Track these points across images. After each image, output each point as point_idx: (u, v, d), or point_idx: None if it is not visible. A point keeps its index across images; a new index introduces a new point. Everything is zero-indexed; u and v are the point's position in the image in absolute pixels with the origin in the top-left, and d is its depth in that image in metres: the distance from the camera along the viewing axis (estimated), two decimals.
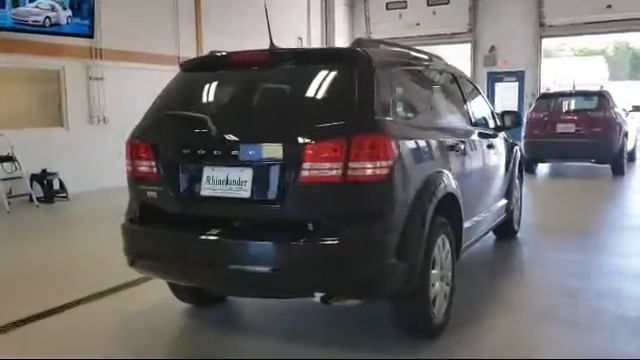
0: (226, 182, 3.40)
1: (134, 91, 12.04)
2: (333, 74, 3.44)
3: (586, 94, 13.22)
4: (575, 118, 12.38)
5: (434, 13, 18.83)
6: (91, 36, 10.94)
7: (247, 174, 3.34)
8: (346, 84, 3.34)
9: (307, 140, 3.17)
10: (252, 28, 15.36)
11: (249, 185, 3.33)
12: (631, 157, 13.64)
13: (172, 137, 3.61)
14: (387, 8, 19.64)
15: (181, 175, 3.55)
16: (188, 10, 13.63)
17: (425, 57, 4.54)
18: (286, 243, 3.20)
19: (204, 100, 3.78)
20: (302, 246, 3.15)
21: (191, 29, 13.72)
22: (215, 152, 3.37)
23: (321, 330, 3.95)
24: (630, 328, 3.90)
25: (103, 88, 11.58)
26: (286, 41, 17.23)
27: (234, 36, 14.65)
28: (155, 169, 3.62)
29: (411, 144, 3.50)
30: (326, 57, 3.66)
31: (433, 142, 3.83)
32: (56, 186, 10.19)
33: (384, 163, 3.16)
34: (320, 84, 3.42)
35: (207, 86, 3.81)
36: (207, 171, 3.46)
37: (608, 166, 12.40)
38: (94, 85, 11.49)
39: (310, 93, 3.42)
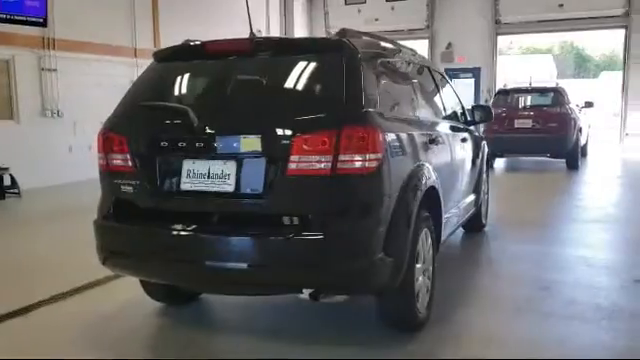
0: (208, 175, 3.27)
1: (89, 83, 11.67)
2: (319, 65, 3.35)
3: (542, 90, 13.56)
4: (532, 114, 12.69)
5: (392, 9, 18.93)
6: (44, 25, 10.47)
7: (230, 167, 3.22)
8: (333, 75, 3.25)
9: (295, 132, 3.07)
10: (211, 17, 15.19)
11: (233, 178, 3.21)
12: (583, 152, 14.07)
13: (149, 129, 3.46)
14: (346, 3, 19.64)
15: (159, 169, 3.39)
16: (144, 0, 13.26)
17: (407, 50, 4.50)
18: (274, 238, 3.10)
19: (182, 91, 3.64)
20: (290, 241, 3.05)
21: (148, 19, 13.35)
22: (197, 144, 3.23)
23: (301, 326, 3.88)
24: (605, 318, 3.98)
25: (57, 80, 11.13)
26: (245, 33, 16.94)
27: (193, 26, 14.33)
28: (130, 162, 3.45)
29: (397, 137, 3.45)
30: (311, 47, 3.56)
31: (416, 135, 3.79)
32: (7, 182, 9.72)
33: (373, 156, 3.10)
34: (306, 75, 3.33)
35: (185, 76, 3.67)
36: (187, 164, 3.32)
37: (563, 160, 12.75)
38: (47, 76, 11.02)
39: (295, 84, 3.32)
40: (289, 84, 3.35)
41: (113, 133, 3.54)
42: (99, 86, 11.84)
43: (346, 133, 3.04)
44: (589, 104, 14.31)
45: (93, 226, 3.67)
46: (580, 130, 12.94)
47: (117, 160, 3.51)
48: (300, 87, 3.31)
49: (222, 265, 3.20)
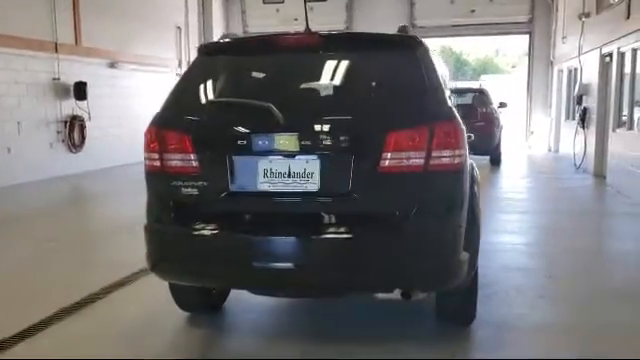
0: (288, 175, 3.14)
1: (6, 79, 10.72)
2: (396, 60, 3.33)
3: (468, 91, 14.26)
4: (459, 113, 13.28)
5: (311, 9, 18.97)
6: None
7: (313, 165, 3.12)
8: (413, 71, 3.25)
9: (388, 128, 3.04)
10: (134, 12, 14.46)
11: (317, 177, 3.11)
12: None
13: (221, 127, 3.25)
14: (264, 1, 19.40)
15: (230, 169, 3.20)
16: None
17: None
18: (366, 238, 3.05)
19: (248, 87, 3.45)
20: (383, 240, 3.02)
21: (68, 12, 12.41)
22: (280, 142, 3.09)
23: (357, 326, 3.85)
24: (533, 297, 4.46)
25: None
26: (165, 29, 16.38)
27: (116, 18, 13.63)
28: (195, 162, 3.23)
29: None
30: (384, 43, 3.51)
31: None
32: None
33: (459, 152, 3.13)
34: (384, 70, 3.29)
35: (246, 71, 3.49)
36: (263, 163, 3.17)
37: (487, 157, 13.51)
38: None
39: (375, 80, 3.28)
40: (368, 80, 3.31)
41: (172, 131, 3.29)
42: (16, 83, 10.93)
43: (438, 129, 3.05)
44: (503, 104, 15.25)
45: (144, 231, 3.41)
46: (501, 129, 13.78)
47: (177, 160, 3.27)
48: (380, 83, 3.28)
49: (311, 267, 3.09)
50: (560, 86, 15.84)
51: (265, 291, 3.55)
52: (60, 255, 5.93)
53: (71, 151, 12.32)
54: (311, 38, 3.40)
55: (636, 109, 9.06)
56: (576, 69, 13.30)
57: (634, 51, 9.05)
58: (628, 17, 9.11)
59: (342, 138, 3.10)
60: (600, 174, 11.01)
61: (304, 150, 3.10)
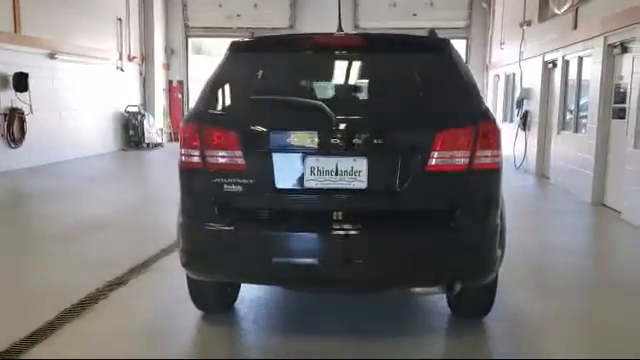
0: (336, 172, 3.20)
1: None
2: (434, 62, 3.44)
3: None
4: None
5: (255, 6, 18.91)
6: None
7: (361, 164, 3.19)
8: (452, 72, 3.38)
9: (436, 128, 3.15)
10: (78, 3, 13.83)
11: (365, 175, 3.19)
12: None
13: (269, 124, 3.24)
14: None
15: (276, 166, 3.21)
16: None
17: None
18: (416, 234, 3.16)
19: (288, 85, 3.45)
20: (437, 236, 3.14)
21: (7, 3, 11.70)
22: (331, 141, 3.13)
23: (380, 322, 3.95)
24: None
25: None
26: (106, 20, 15.83)
27: (57, 7, 13.00)
28: (241, 160, 3.21)
29: None
30: (418, 45, 3.62)
31: None
32: None
33: (498, 152, 3.30)
34: (422, 72, 3.40)
35: (289, 70, 3.49)
36: (310, 161, 3.21)
37: None
38: None
39: (414, 81, 3.38)
40: (410, 81, 3.40)
41: (214, 127, 3.25)
42: None
43: (483, 129, 3.20)
44: None
45: (180, 228, 3.36)
46: None
47: (220, 157, 3.25)
48: (422, 84, 3.38)
49: (360, 263, 3.16)
50: (496, 90, 16.63)
51: (309, 288, 3.58)
52: (32, 259, 5.65)
53: (10, 146, 11.63)
54: (353, 39, 3.48)
55: (581, 113, 9.71)
56: (514, 74, 14.02)
57: (580, 59, 9.68)
58: (575, 27, 9.74)
59: (390, 137, 3.19)
60: (542, 174, 11.68)
61: (353, 149, 3.16)
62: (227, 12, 18.93)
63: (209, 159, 3.25)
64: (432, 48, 3.56)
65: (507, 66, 14.89)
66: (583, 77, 9.66)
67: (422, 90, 3.37)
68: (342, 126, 3.14)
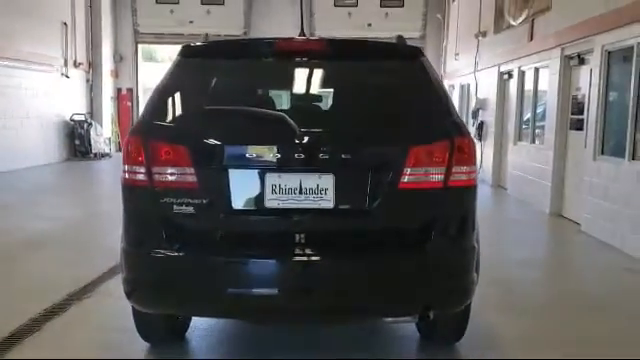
0: (299, 190, 2.89)
1: None
2: (405, 71, 3.19)
3: None
4: None
5: (208, 12, 18.48)
6: None
7: (327, 181, 2.89)
8: (424, 83, 3.14)
9: (409, 142, 2.89)
10: (18, 3, 13.10)
11: (331, 193, 2.89)
12: None
13: (225, 138, 2.91)
14: (157, 2, 18.58)
15: (232, 184, 2.88)
16: None
17: None
18: (387, 257, 2.89)
19: (251, 94, 3.13)
20: (410, 260, 2.88)
21: None
22: (294, 156, 2.83)
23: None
24: None
25: None
26: (50, 25, 15.19)
27: (1, 13, 12.30)
28: (192, 177, 2.87)
29: None
30: (389, 53, 3.36)
31: None
32: None
33: (474, 168, 3.07)
34: (395, 81, 3.14)
35: (246, 77, 3.17)
36: (271, 178, 2.89)
37: None
38: None
39: (387, 90, 3.11)
40: (378, 90, 3.13)
41: (162, 141, 2.90)
42: None
43: (458, 144, 2.96)
44: None
45: (123, 254, 2.98)
46: None
47: (169, 174, 2.89)
48: (391, 94, 3.11)
49: (327, 293, 2.85)
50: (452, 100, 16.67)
51: (265, 320, 3.24)
52: None
53: None
54: (317, 44, 3.19)
55: (537, 123, 9.72)
56: (469, 85, 14.06)
57: (536, 70, 9.70)
58: (531, 39, 9.76)
59: (358, 152, 2.92)
60: (499, 184, 11.68)
61: (318, 164, 2.87)
62: (179, 18, 18.42)
63: (156, 176, 2.89)
64: (403, 56, 3.30)
65: (462, 77, 14.94)
66: (540, 88, 9.69)
67: (393, 101, 3.10)
68: (306, 139, 2.83)
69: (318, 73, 3.26)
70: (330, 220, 2.92)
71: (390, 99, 3.09)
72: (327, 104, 3.19)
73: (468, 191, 3.04)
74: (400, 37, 3.52)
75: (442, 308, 3.05)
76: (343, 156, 2.89)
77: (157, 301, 3.02)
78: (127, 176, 2.96)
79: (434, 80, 3.16)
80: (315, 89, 3.26)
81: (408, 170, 2.88)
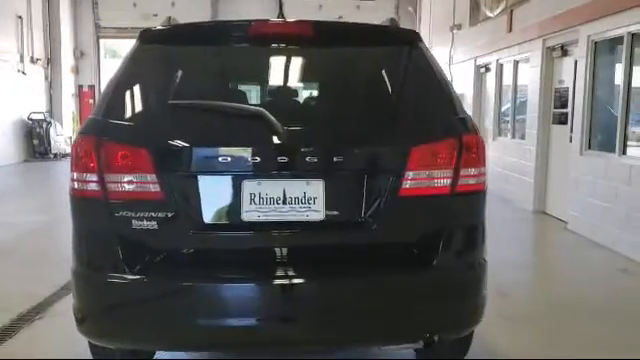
0: (283, 200, 2.44)
1: None
2: (404, 58, 2.76)
3: None
4: None
5: (173, 4, 17.83)
6: None
7: (316, 188, 2.45)
8: (425, 71, 2.71)
9: (411, 141, 2.47)
10: None
11: (321, 203, 2.45)
12: None
13: (196, 138, 2.43)
14: None
15: (204, 194, 2.42)
16: None
17: None
18: (388, 276, 2.46)
19: (223, 85, 2.66)
20: (415, 280, 2.46)
21: None
22: (278, 159, 2.38)
23: None
24: None
25: None
26: (4, 18, 14.40)
27: None
28: (157, 186, 2.39)
29: None
30: (387, 37, 2.92)
31: None
32: None
33: (483, 170, 2.66)
34: (392, 70, 2.71)
35: (218, 66, 2.70)
36: (249, 186, 2.44)
37: None
38: None
39: (384, 81, 2.68)
40: (373, 81, 2.71)
41: (118, 143, 2.41)
42: None
43: (466, 142, 2.55)
44: None
45: (73, 277, 2.50)
46: None
47: (127, 183, 2.41)
48: (388, 86, 2.68)
49: (317, 321, 2.41)
50: None
51: (242, 354, 2.79)
52: None
53: None
54: (300, 27, 2.71)
55: (518, 117, 9.44)
56: None
57: (516, 63, 9.41)
58: (510, 30, 9.46)
59: (352, 154, 2.48)
60: None
61: (305, 169, 2.42)
62: (142, 11, 17.70)
63: (111, 186, 2.40)
64: (399, 41, 2.86)
65: None
66: (520, 82, 9.40)
67: (391, 93, 2.67)
68: (290, 139, 2.38)
69: (302, 61, 2.81)
70: (320, 234, 2.48)
71: (387, 91, 2.66)
72: (313, 98, 2.75)
73: (478, 197, 2.64)
74: (393, 20, 3.10)
75: (450, 333, 2.64)
76: (334, 159, 2.44)
77: (113, 334, 2.53)
78: (76, 185, 2.48)
79: (436, 69, 2.74)
80: (299, 80, 2.81)
81: (410, 174, 2.46)
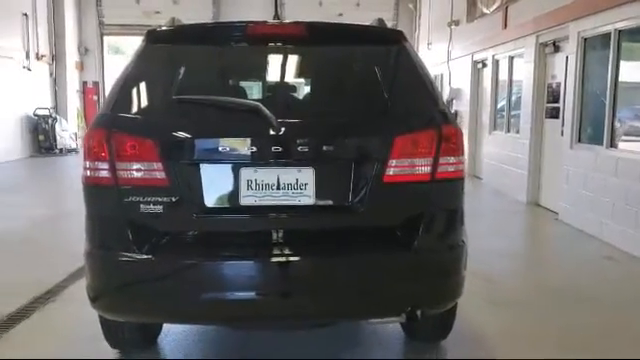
0: (277, 186, 2.68)
1: None
2: (389, 56, 3.00)
3: None
4: None
5: (175, 2, 18.03)
6: None
7: (307, 175, 2.69)
8: (409, 68, 2.95)
9: (394, 132, 2.70)
10: None
11: (311, 188, 2.69)
12: None
13: (198, 130, 2.68)
14: None
15: (205, 180, 2.66)
16: None
17: None
18: (373, 256, 2.70)
19: (223, 82, 2.91)
20: (398, 258, 2.70)
21: None
22: (272, 148, 2.62)
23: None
24: None
25: None
26: (9, 15, 14.70)
27: None
28: (163, 173, 2.63)
29: None
30: (373, 36, 3.16)
31: None
32: None
33: (461, 158, 2.90)
34: (378, 67, 2.93)
35: (219, 64, 2.95)
36: (246, 173, 2.68)
37: None
38: None
39: (370, 77, 2.90)
40: (360, 78, 2.94)
41: (127, 134, 2.66)
42: None
43: (445, 133, 2.78)
44: None
45: (86, 258, 2.75)
46: None
47: (135, 171, 2.66)
48: (373, 81, 2.91)
49: (309, 295, 2.66)
50: None
51: (242, 325, 3.04)
52: None
53: None
54: (294, 28, 2.95)
55: (513, 112, 9.65)
56: (442, 74, 13.97)
57: (511, 58, 9.62)
58: (505, 26, 9.67)
59: (340, 143, 2.72)
60: (474, 174, 11.62)
61: (297, 157, 2.66)
62: (145, 9, 17.94)
63: (121, 173, 2.65)
64: (385, 40, 3.10)
65: (435, 66, 14.81)
66: (515, 77, 9.61)
67: (376, 88, 2.90)
68: (284, 131, 2.63)
69: (295, 59, 3.05)
70: (310, 217, 2.72)
71: (373, 86, 2.89)
72: (305, 93, 2.99)
73: (456, 183, 2.88)
74: (381, 20, 3.33)
75: (431, 308, 2.88)
76: (324, 148, 2.69)
77: (125, 308, 2.78)
78: (89, 173, 2.72)
79: (418, 66, 2.98)
80: (292, 76, 3.05)
81: (393, 162, 2.70)
